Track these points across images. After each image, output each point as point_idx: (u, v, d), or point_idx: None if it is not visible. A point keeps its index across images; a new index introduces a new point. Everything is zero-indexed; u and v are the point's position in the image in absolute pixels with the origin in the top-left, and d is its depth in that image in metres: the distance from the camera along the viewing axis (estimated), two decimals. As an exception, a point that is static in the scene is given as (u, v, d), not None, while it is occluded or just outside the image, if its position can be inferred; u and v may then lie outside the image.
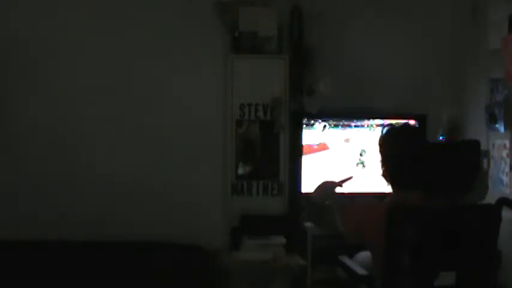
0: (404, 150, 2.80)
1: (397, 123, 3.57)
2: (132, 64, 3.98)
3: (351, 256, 3.14)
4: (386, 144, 2.86)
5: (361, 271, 2.91)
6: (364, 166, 4.04)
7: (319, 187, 3.05)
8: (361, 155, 4.05)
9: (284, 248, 3.78)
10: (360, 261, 3.02)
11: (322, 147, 4.01)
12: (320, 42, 4.09)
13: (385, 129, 3.01)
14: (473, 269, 2.71)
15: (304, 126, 3.98)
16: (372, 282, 2.82)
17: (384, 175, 2.85)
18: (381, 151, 2.85)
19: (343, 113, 4.04)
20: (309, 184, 3.92)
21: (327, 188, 3.03)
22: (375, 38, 4.21)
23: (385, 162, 2.83)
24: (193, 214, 4.00)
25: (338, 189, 3.05)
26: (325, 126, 4.01)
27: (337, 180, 3.08)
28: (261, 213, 3.90)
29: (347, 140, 4.04)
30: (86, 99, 3.96)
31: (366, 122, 4.05)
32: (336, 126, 4.02)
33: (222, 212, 4.00)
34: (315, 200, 3.06)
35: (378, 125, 4.03)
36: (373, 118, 4.05)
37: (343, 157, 4.03)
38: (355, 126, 4.04)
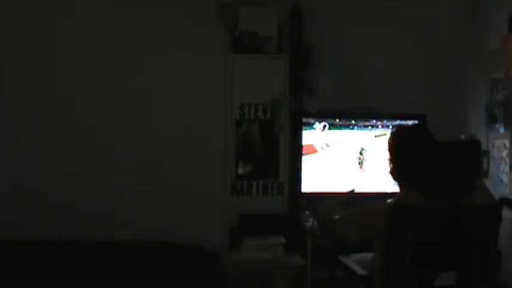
0: (413, 150, 2.80)
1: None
2: (132, 64, 3.98)
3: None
4: (396, 142, 2.86)
5: (360, 271, 2.91)
6: (362, 166, 4.03)
7: (324, 205, 3.06)
8: (361, 154, 4.05)
9: (284, 247, 3.79)
10: (359, 261, 3.02)
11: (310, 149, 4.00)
12: (320, 42, 4.09)
13: (395, 128, 3.01)
14: (473, 269, 2.71)
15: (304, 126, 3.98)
16: (371, 282, 2.82)
17: (392, 173, 2.85)
18: (390, 149, 2.86)
19: (343, 113, 4.04)
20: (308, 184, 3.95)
21: (333, 205, 3.03)
22: (375, 38, 4.21)
23: (393, 161, 2.83)
24: (193, 214, 4.01)
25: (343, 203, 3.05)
26: (325, 126, 4.00)
27: (339, 192, 3.08)
28: (260, 213, 3.89)
29: (347, 140, 4.04)
30: (86, 100, 3.96)
31: (365, 122, 4.04)
32: (335, 126, 4.01)
33: (222, 211, 4.00)
34: (322, 216, 3.07)
35: (377, 125, 4.04)
36: (373, 118, 4.04)
37: (342, 157, 4.03)
38: (355, 126, 4.04)
